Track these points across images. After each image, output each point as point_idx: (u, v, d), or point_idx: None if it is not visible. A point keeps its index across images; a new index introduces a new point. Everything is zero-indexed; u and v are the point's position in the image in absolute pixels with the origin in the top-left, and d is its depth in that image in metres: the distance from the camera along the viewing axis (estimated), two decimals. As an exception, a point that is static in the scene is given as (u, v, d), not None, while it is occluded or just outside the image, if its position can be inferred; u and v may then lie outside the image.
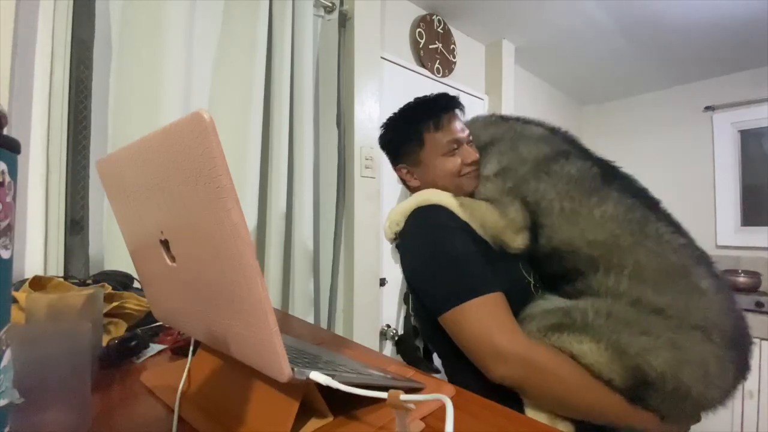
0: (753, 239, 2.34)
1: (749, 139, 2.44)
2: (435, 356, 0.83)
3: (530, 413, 0.59)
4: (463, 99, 2.25)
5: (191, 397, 0.44)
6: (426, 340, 0.98)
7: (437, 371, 0.78)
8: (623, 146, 2.94)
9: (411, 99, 0.84)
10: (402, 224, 0.74)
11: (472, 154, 0.78)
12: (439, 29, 1.93)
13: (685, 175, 2.63)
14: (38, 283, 0.60)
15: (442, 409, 0.34)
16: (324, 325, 1.40)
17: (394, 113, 0.85)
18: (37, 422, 0.32)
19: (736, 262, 2.33)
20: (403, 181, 0.86)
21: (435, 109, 0.79)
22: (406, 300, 1.70)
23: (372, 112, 1.51)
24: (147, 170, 0.36)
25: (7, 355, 0.24)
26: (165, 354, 0.61)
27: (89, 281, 0.70)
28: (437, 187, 0.78)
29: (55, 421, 0.34)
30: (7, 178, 0.23)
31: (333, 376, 0.34)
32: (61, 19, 0.88)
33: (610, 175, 0.71)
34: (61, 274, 0.86)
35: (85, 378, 0.37)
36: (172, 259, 0.39)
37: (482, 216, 0.71)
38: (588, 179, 0.70)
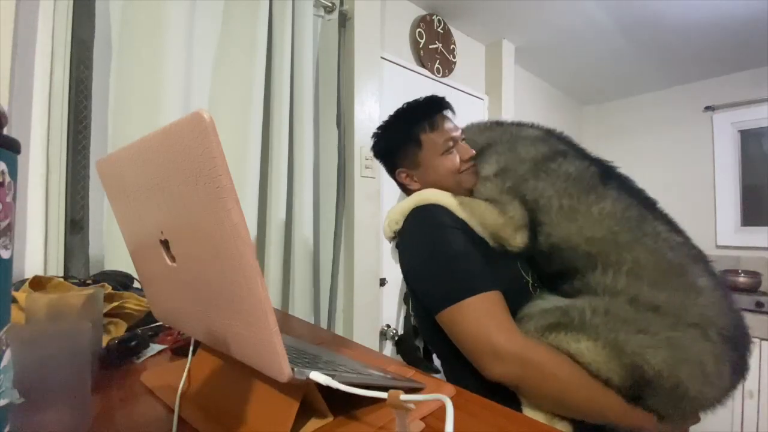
0: (753, 239, 2.34)
1: (749, 139, 2.44)
2: (435, 356, 0.83)
3: (528, 413, 0.59)
4: (463, 99, 2.26)
5: (191, 397, 0.44)
6: (425, 340, 0.98)
7: (437, 371, 0.78)
8: (623, 146, 2.94)
9: (411, 99, 0.84)
10: (401, 223, 0.74)
11: (468, 150, 0.80)
12: (439, 29, 1.93)
13: (685, 175, 2.63)
14: (38, 283, 0.60)
15: (442, 409, 0.34)
16: (324, 325, 1.40)
17: (386, 120, 0.85)
18: (37, 422, 0.32)
19: (736, 262, 2.33)
20: (403, 186, 0.85)
21: (428, 111, 0.80)
22: (406, 300, 1.70)
23: (372, 112, 1.51)
24: (147, 170, 0.36)
25: (7, 355, 0.24)
26: (165, 354, 0.61)
27: (89, 281, 0.70)
28: (439, 187, 0.78)
29: (55, 421, 0.34)
30: (7, 178, 0.23)
31: (333, 376, 0.34)
32: (61, 19, 0.88)
33: (607, 174, 0.72)
34: (61, 274, 0.86)
35: (85, 378, 0.37)
36: (172, 259, 0.39)
37: (481, 214, 0.71)
38: (586, 178, 0.70)
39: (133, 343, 0.57)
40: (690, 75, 2.54)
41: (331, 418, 0.38)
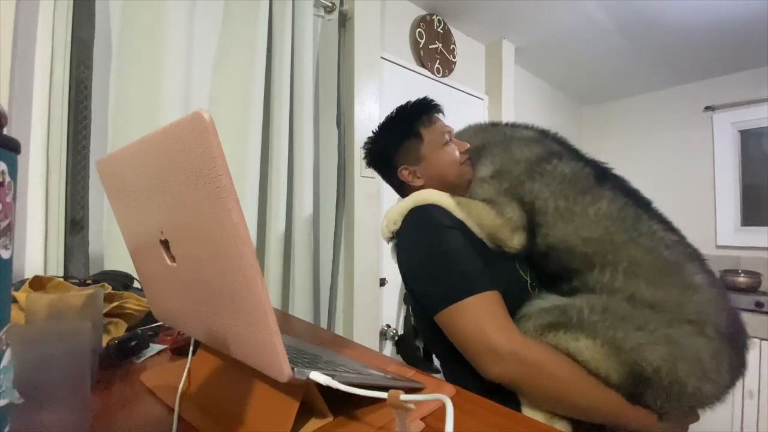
0: (753, 239, 2.34)
1: (749, 139, 2.44)
2: (434, 357, 0.83)
3: (527, 412, 0.59)
4: (463, 99, 2.26)
5: (191, 397, 0.44)
6: (425, 340, 0.98)
7: (437, 371, 0.78)
8: (623, 146, 2.94)
9: (411, 99, 0.86)
10: (399, 223, 0.74)
11: (462, 144, 0.83)
12: (439, 29, 1.93)
13: (685, 175, 2.63)
14: (38, 283, 0.60)
15: (442, 409, 0.34)
16: (324, 325, 1.40)
17: (380, 124, 0.87)
18: (37, 422, 0.32)
19: (736, 262, 2.33)
20: (403, 185, 0.85)
21: (424, 108, 0.84)
22: (406, 300, 1.70)
23: (372, 112, 1.51)
24: (147, 170, 0.36)
25: (7, 355, 0.24)
26: (165, 354, 0.61)
27: (89, 281, 0.70)
28: (443, 179, 0.80)
29: (55, 421, 0.34)
30: (7, 178, 0.23)
31: (333, 376, 0.34)
32: (61, 19, 0.88)
33: (602, 175, 0.72)
34: (61, 274, 0.86)
35: (85, 378, 0.37)
36: (172, 259, 0.39)
37: (479, 215, 0.71)
38: (581, 178, 0.70)
39: (133, 343, 0.57)
40: (690, 75, 2.54)
41: (331, 418, 0.38)
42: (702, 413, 0.62)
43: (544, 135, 0.81)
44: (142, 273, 0.49)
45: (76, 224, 0.88)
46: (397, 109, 0.85)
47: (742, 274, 2.11)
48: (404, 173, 0.83)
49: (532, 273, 0.74)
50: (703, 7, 1.78)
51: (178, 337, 0.62)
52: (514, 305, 0.65)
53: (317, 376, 0.33)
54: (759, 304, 1.88)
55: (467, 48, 2.14)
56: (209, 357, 0.48)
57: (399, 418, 0.33)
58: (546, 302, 0.66)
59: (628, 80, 2.65)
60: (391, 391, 0.33)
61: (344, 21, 1.47)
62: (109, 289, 0.66)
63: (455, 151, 0.82)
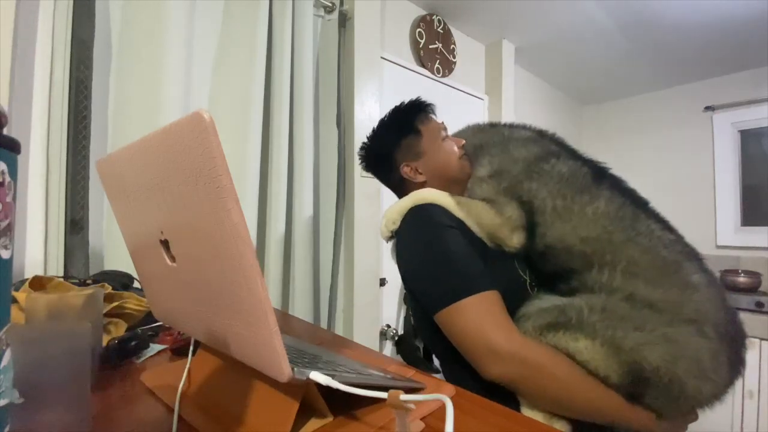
0: (753, 239, 2.34)
1: (749, 139, 2.44)
2: (434, 357, 0.83)
3: (526, 412, 0.59)
4: (463, 99, 2.26)
5: (191, 397, 0.44)
6: (424, 340, 0.98)
7: (437, 371, 0.78)
8: (623, 146, 2.94)
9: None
10: (398, 222, 0.74)
11: (458, 139, 0.85)
12: (439, 29, 1.93)
13: (685, 175, 2.63)
14: (38, 283, 0.60)
15: (442, 409, 0.34)
16: (324, 325, 1.40)
17: (377, 125, 0.88)
18: (37, 422, 0.32)
19: (736, 262, 2.33)
20: (404, 183, 0.85)
21: (419, 106, 0.85)
22: (406, 300, 1.70)
23: (372, 112, 1.51)
24: (147, 170, 0.36)
25: (7, 355, 0.24)
26: (165, 354, 0.61)
27: (89, 281, 0.70)
28: (446, 173, 0.81)
29: (55, 421, 0.34)
30: (7, 178, 0.23)
31: (333, 376, 0.34)
32: (61, 19, 0.88)
33: (600, 174, 0.72)
34: (61, 274, 0.86)
35: (85, 378, 0.37)
36: (172, 259, 0.39)
37: (478, 214, 0.71)
38: (579, 178, 0.70)
39: (133, 343, 0.57)
40: (690, 75, 2.54)
41: (331, 418, 0.38)
42: (701, 413, 0.62)
43: (541, 135, 0.81)
44: (142, 273, 0.49)
45: (76, 224, 0.88)
46: (392, 109, 0.86)
47: (742, 274, 2.11)
48: (406, 170, 0.83)
49: (531, 273, 0.74)
50: (703, 7, 1.78)
51: (178, 337, 0.62)
52: (513, 305, 0.65)
53: (317, 376, 0.33)
54: (759, 304, 1.88)
55: (467, 48, 2.14)
56: (209, 357, 0.48)
57: (399, 418, 0.33)
58: (545, 302, 0.66)
59: (628, 80, 2.65)
60: (391, 391, 0.33)
61: (344, 21, 1.47)
62: (109, 289, 0.66)
63: (453, 146, 0.83)
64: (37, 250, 0.84)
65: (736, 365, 0.60)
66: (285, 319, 0.97)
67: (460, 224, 0.70)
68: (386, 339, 1.65)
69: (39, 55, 0.86)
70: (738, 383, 0.62)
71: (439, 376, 0.70)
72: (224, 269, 0.32)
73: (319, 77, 1.46)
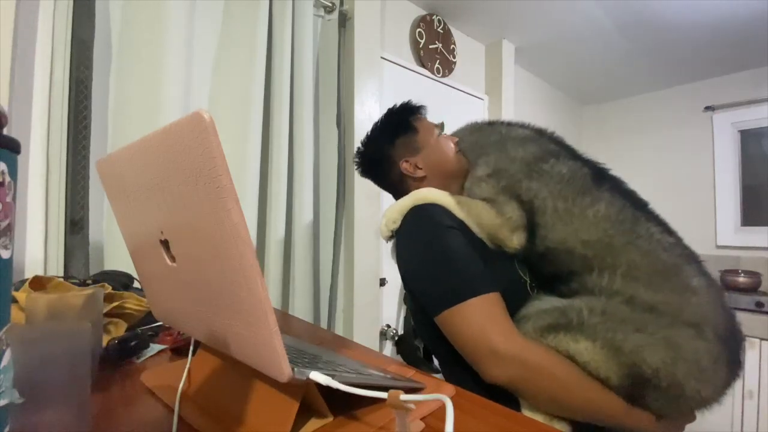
0: (753, 239, 2.34)
1: (749, 139, 2.44)
2: (434, 357, 0.83)
3: (527, 414, 0.59)
4: (463, 99, 2.26)
5: (191, 397, 0.44)
6: (424, 341, 0.98)
7: (437, 371, 0.78)
8: (623, 146, 2.94)
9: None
10: (399, 222, 0.74)
11: (451, 137, 0.87)
12: (439, 29, 1.93)
13: (685, 175, 2.63)
14: (38, 283, 0.59)
15: (442, 409, 0.34)
16: (324, 325, 1.40)
17: (372, 128, 0.88)
18: (37, 422, 0.32)
19: (736, 262, 2.33)
20: (404, 181, 0.85)
21: (412, 107, 0.87)
22: (406, 300, 1.70)
23: (372, 112, 1.51)
24: (147, 170, 0.36)
25: (7, 355, 0.24)
26: (165, 354, 0.61)
27: (89, 281, 0.70)
28: (445, 166, 0.82)
29: (55, 421, 0.34)
30: (7, 178, 0.23)
31: (333, 376, 0.34)
32: (61, 19, 0.88)
33: (600, 176, 0.72)
34: (61, 274, 0.86)
35: (85, 378, 0.37)
36: (172, 259, 0.39)
37: (478, 214, 0.71)
38: (579, 179, 0.70)
39: (133, 343, 0.57)
40: (690, 75, 2.54)
41: (331, 418, 0.38)
42: (700, 414, 0.62)
43: (540, 134, 0.80)
44: (142, 273, 0.49)
45: (76, 224, 0.88)
46: (385, 113, 0.88)
47: (742, 274, 2.11)
48: (405, 165, 0.83)
49: (530, 273, 0.74)
50: (703, 7, 1.78)
51: (178, 337, 0.62)
52: (513, 306, 0.65)
53: (317, 376, 0.33)
54: (759, 304, 1.88)
55: (467, 48, 2.14)
56: (209, 357, 0.48)
57: (399, 418, 0.33)
58: (545, 303, 0.66)
59: (628, 80, 2.65)
60: (391, 391, 0.33)
61: (344, 21, 1.47)
62: (109, 289, 0.66)
63: (449, 142, 0.84)
64: (37, 250, 0.84)
65: (734, 367, 0.60)
66: (285, 319, 0.97)
67: (460, 224, 0.70)
68: (386, 339, 1.65)
69: (39, 55, 0.86)
70: (738, 383, 0.62)
71: (439, 376, 0.70)
72: (224, 269, 0.32)
73: (319, 77, 1.46)
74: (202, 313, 0.39)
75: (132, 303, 0.66)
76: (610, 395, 0.57)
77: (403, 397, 0.32)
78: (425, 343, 0.95)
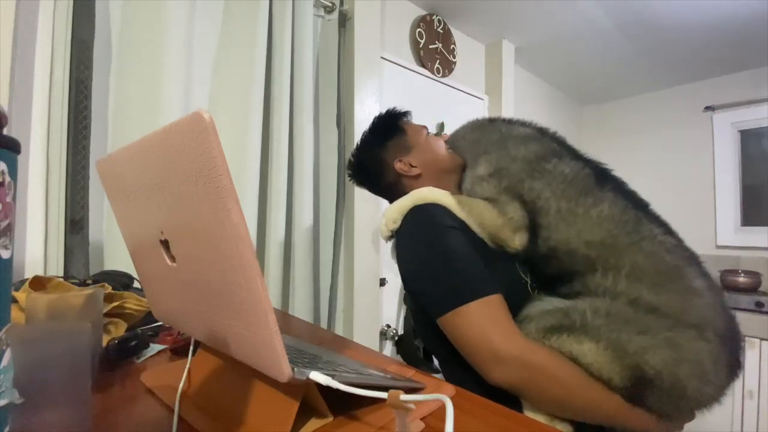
0: (753, 239, 2.34)
1: (749, 139, 2.44)
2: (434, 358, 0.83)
3: (529, 414, 0.59)
4: (463, 99, 2.26)
5: (191, 397, 0.44)
6: (424, 342, 0.98)
7: (438, 371, 0.78)
8: (623, 146, 2.94)
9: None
10: (399, 222, 0.74)
11: (441, 137, 0.88)
12: (439, 29, 1.93)
13: (685, 175, 2.63)
14: (38, 283, 0.59)
15: (442, 409, 0.34)
16: (324, 325, 1.40)
17: (361, 138, 0.91)
18: (37, 422, 0.32)
19: (736, 262, 2.33)
20: (400, 182, 0.85)
21: (397, 112, 0.89)
22: (406, 300, 1.70)
23: (372, 112, 1.51)
24: (147, 170, 0.36)
25: (7, 355, 0.24)
26: (165, 354, 0.61)
27: (89, 281, 0.70)
28: (439, 163, 0.83)
29: (55, 421, 0.34)
30: (7, 178, 0.23)
31: (333, 376, 0.34)
32: (61, 19, 0.88)
33: (602, 176, 0.71)
34: (61, 274, 0.86)
35: (85, 378, 0.37)
36: (172, 259, 0.39)
37: (479, 214, 0.70)
38: (581, 179, 0.70)
39: (133, 343, 0.57)
40: (690, 75, 2.54)
41: (331, 418, 0.38)
42: (700, 414, 0.62)
43: (542, 133, 0.79)
44: (142, 273, 0.49)
45: (76, 224, 0.88)
46: (372, 121, 0.90)
47: (742, 274, 2.11)
48: (399, 165, 0.83)
49: (531, 274, 0.74)
50: (703, 7, 1.78)
51: (178, 337, 0.62)
52: (514, 306, 0.65)
53: (317, 376, 0.33)
54: (759, 304, 1.88)
55: (467, 48, 2.14)
56: (209, 357, 0.48)
57: (399, 418, 0.33)
58: (548, 304, 0.66)
59: (628, 80, 2.65)
60: (391, 391, 0.33)
61: (344, 21, 1.47)
62: (109, 289, 0.66)
63: (438, 140, 0.86)
64: (37, 250, 0.84)
65: (734, 367, 0.61)
66: (285, 319, 0.97)
67: (461, 224, 0.69)
68: (386, 339, 1.65)
69: (39, 55, 0.86)
70: (738, 383, 0.63)
71: (439, 376, 0.70)
72: (224, 269, 0.32)
73: (319, 77, 1.46)
74: (202, 313, 0.39)
75: (132, 303, 0.66)
76: (611, 396, 0.57)
77: (403, 397, 0.32)
78: (425, 343, 0.94)
